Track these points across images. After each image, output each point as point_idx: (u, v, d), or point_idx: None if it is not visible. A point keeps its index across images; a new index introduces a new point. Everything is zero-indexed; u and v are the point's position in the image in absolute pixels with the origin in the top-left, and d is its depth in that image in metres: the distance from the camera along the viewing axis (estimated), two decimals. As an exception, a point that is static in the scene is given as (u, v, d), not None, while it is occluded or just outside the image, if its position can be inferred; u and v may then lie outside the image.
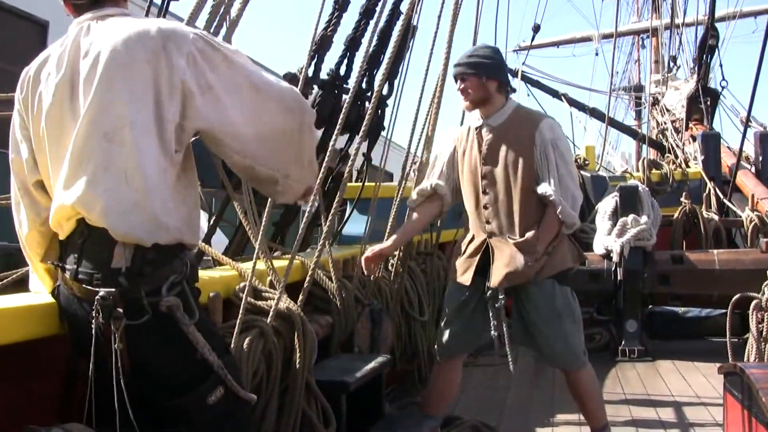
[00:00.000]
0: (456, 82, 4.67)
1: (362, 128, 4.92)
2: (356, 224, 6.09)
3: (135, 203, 2.34)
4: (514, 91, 4.83)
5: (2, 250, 9.18)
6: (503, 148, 4.56)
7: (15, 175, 2.69)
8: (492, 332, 4.58)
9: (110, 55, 2.40)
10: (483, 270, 4.60)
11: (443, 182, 4.81)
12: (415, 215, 4.91)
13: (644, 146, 15.57)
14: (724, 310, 6.36)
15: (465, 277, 4.67)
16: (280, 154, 2.58)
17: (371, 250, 4.73)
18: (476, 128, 4.67)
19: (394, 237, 4.86)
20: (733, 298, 5.13)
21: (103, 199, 2.33)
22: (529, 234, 4.48)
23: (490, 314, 4.57)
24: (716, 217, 9.63)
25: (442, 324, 4.77)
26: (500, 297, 4.54)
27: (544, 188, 4.42)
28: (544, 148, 4.46)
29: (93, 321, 2.34)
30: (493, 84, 4.58)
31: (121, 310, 2.31)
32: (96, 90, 2.39)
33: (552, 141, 4.47)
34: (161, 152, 2.39)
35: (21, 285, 3.36)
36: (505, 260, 4.51)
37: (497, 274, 4.52)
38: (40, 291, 2.88)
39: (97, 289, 2.35)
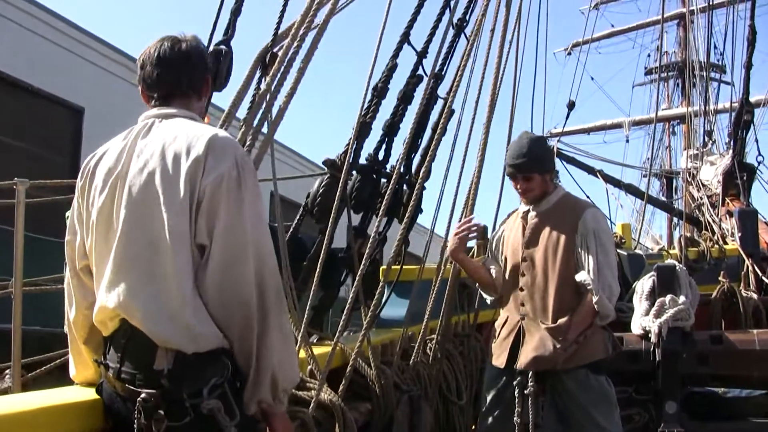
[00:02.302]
0: (513, 180, 4.72)
1: (408, 212, 4.98)
2: (393, 307, 6.08)
3: (173, 314, 2.41)
4: (557, 172, 4.91)
5: (35, 334, 9.28)
6: (545, 233, 4.62)
7: (68, 257, 2.79)
8: (515, 419, 4.57)
9: (157, 164, 2.51)
10: (517, 353, 4.62)
11: (495, 267, 4.89)
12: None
13: (676, 228, 15.41)
14: (765, 391, 6.27)
15: (500, 361, 4.69)
16: (227, 317, 2.51)
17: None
18: (524, 212, 4.75)
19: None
20: None
21: (143, 308, 2.41)
22: (561, 320, 4.50)
23: (516, 400, 4.57)
24: (755, 296, 9.52)
25: (482, 412, 4.77)
26: (530, 384, 4.54)
27: (582, 276, 4.45)
28: (585, 237, 4.50)
29: (135, 421, 2.38)
30: (547, 176, 4.66)
31: (162, 412, 2.36)
32: (137, 196, 2.50)
33: (594, 230, 4.51)
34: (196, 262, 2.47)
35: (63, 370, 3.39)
36: (535, 344, 4.53)
37: (525, 357, 4.54)
38: (82, 379, 2.93)
39: (139, 390, 2.39)
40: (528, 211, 4.75)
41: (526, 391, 4.55)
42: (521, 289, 4.64)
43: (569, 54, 28.84)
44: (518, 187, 4.77)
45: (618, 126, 29.99)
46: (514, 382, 4.58)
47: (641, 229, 14.75)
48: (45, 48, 14.93)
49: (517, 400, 4.57)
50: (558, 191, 4.78)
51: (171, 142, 2.53)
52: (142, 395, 2.38)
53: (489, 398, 4.76)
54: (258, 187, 2.64)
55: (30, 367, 5.96)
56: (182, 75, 2.79)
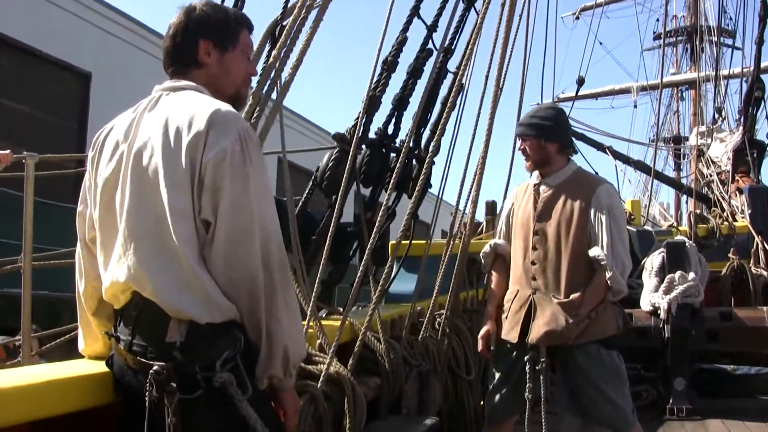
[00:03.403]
0: (518, 141, 4.73)
1: (417, 187, 4.96)
2: (402, 282, 6.07)
3: (187, 283, 2.39)
4: (576, 152, 4.87)
5: (44, 298, 9.32)
6: (558, 207, 4.58)
7: (78, 227, 2.79)
8: (526, 394, 4.57)
9: (159, 138, 2.49)
10: (528, 328, 4.60)
11: (503, 241, 4.86)
12: (493, 278, 5.04)
13: (683, 197, 15.30)
14: (774, 368, 6.27)
15: (511, 335, 4.66)
16: (237, 288, 2.49)
17: (482, 337, 4.87)
18: (534, 185, 4.72)
19: (489, 311, 4.95)
20: None
21: (156, 280, 2.41)
22: (574, 295, 4.47)
23: (527, 376, 4.56)
24: (765, 273, 9.48)
25: (491, 388, 4.75)
26: (542, 359, 4.53)
27: (596, 252, 4.42)
28: (599, 212, 4.47)
29: (147, 394, 2.37)
30: (553, 146, 4.63)
31: (174, 385, 2.35)
32: (142, 171, 2.48)
33: (608, 206, 4.48)
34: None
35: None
36: (546, 318, 4.51)
37: (536, 331, 4.52)
38: (91, 352, 2.93)
39: (151, 363, 2.38)
40: (539, 183, 4.72)
41: (537, 367, 4.53)
42: (533, 263, 4.61)
43: (577, 18, 28.82)
44: (518, 148, 4.78)
45: (626, 91, 29.94)
46: (525, 357, 4.57)
47: (650, 204, 14.68)
48: (52, 13, 14.90)
49: (528, 375, 4.56)
50: (571, 166, 4.75)
51: (174, 115, 2.51)
52: (155, 368, 2.36)
53: (498, 373, 4.74)
54: (263, 160, 2.60)
55: (41, 338, 5.99)
56: (172, 50, 2.78)
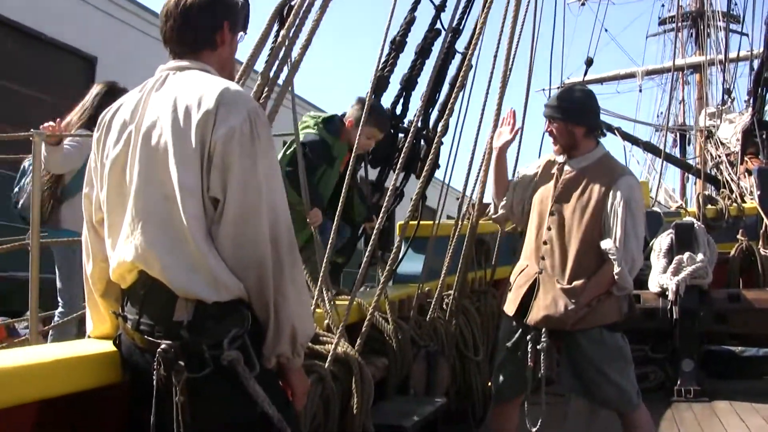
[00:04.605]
0: (546, 122, 4.69)
1: (425, 168, 4.94)
2: (410, 263, 6.06)
3: (194, 263, 2.39)
4: (604, 135, 4.82)
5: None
6: (577, 192, 4.54)
7: (85, 209, 2.77)
8: (527, 373, 4.55)
9: (168, 117, 2.48)
10: (529, 306, 4.57)
11: (510, 189, 4.81)
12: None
13: (689, 181, 15.25)
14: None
15: (510, 309, 4.65)
16: (245, 268, 2.47)
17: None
18: (559, 164, 4.67)
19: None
20: None
21: (163, 259, 2.40)
22: (577, 282, 4.44)
23: (528, 355, 4.54)
24: (774, 254, 9.46)
25: (496, 367, 4.74)
26: (543, 339, 4.51)
27: (607, 244, 4.37)
28: (616, 204, 4.41)
29: (155, 373, 2.37)
30: (580, 130, 4.58)
31: (182, 363, 2.34)
32: (150, 150, 2.47)
33: (626, 199, 4.41)
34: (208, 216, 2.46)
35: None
36: (547, 301, 4.48)
37: (535, 313, 4.50)
38: (98, 334, 2.93)
39: (158, 341, 2.38)
40: (564, 164, 4.66)
41: (538, 347, 4.51)
42: (544, 243, 4.57)
43: (583, 5, 28.75)
44: (545, 130, 4.74)
45: (631, 76, 30.05)
46: (528, 337, 4.54)
47: (658, 187, 14.65)
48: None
49: (530, 355, 4.54)
50: (598, 150, 4.67)
51: (182, 95, 2.50)
52: (162, 346, 2.36)
53: (503, 353, 4.72)
54: (272, 139, 2.60)
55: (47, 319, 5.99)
56: (187, 29, 2.72)
